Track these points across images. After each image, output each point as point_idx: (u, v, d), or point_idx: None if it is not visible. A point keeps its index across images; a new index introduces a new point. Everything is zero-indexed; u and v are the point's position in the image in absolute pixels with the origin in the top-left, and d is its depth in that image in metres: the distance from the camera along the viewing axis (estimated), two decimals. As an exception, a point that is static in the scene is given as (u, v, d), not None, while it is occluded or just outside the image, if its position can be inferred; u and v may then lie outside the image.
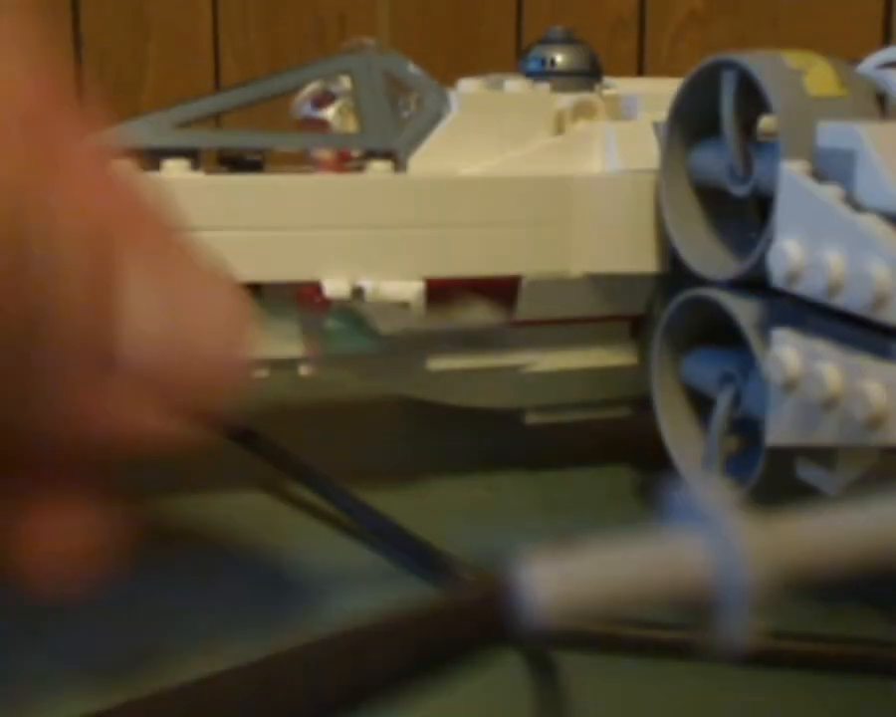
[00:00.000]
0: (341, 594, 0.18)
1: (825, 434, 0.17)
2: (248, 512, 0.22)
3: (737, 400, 0.20)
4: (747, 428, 0.20)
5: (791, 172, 0.18)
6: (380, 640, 0.10)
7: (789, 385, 0.18)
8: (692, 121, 0.22)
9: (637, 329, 0.24)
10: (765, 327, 0.19)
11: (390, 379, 0.24)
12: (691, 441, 0.22)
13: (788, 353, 0.18)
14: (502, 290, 0.22)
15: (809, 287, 0.17)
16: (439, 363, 0.23)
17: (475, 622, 0.10)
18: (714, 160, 0.21)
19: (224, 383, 0.11)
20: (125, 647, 0.16)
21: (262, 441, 0.22)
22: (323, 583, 0.19)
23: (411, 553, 0.19)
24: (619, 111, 0.25)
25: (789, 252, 0.17)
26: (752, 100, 0.20)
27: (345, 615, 0.09)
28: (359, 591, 0.18)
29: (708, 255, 0.21)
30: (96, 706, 0.13)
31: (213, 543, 0.20)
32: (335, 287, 0.20)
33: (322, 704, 0.09)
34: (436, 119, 0.23)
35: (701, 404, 0.22)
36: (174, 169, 0.21)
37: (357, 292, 0.21)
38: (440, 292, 0.21)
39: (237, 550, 0.20)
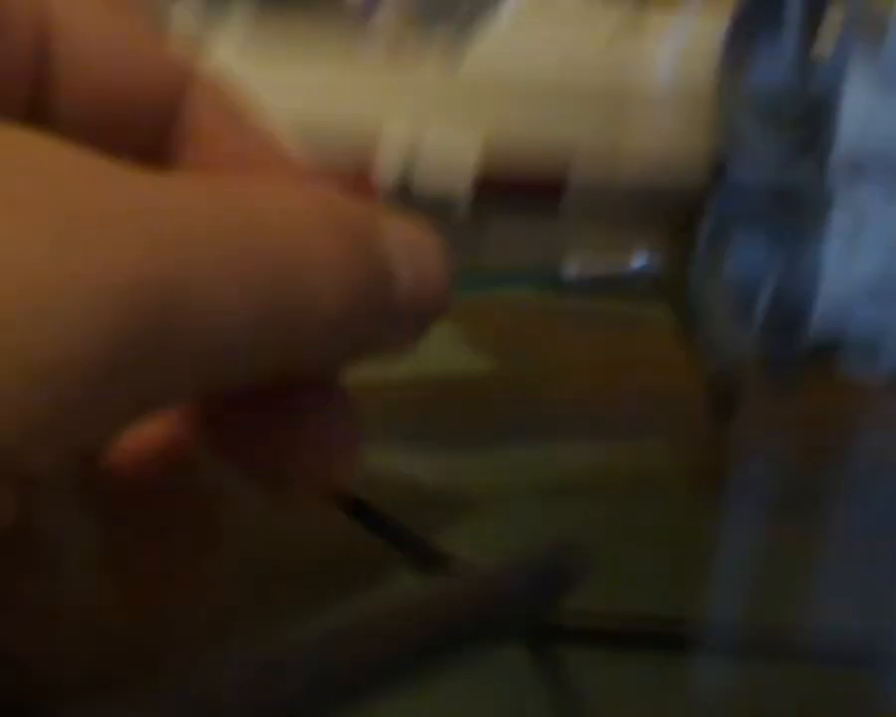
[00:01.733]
0: (341, 591, 0.18)
1: (875, 314, 0.17)
2: (245, 512, 0.22)
3: (780, 293, 0.20)
4: (789, 323, 0.21)
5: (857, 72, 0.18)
6: (381, 638, 0.10)
7: (847, 247, 0.18)
8: (751, 24, 0.22)
9: (679, 234, 0.24)
10: (819, 202, 0.19)
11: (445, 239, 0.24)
12: (731, 339, 0.22)
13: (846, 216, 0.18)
14: (549, 190, 0.22)
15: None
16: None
17: (475, 618, 0.10)
18: (772, 64, 0.21)
19: (446, 300, 0.15)
20: (124, 648, 0.16)
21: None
22: (321, 579, 0.19)
23: (411, 549, 0.19)
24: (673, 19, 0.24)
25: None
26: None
27: (345, 612, 0.10)
28: (360, 588, 0.18)
29: (759, 161, 0.21)
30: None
31: (210, 544, 0.20)
32: (389, 150, 0.21)
33: (322, 699, 0.09)
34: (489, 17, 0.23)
35: (743, 306, 0.22)
36: None
37: (406, 177, 0.21)
38: (488, 187, 0.22)
39: (233, 549, 0.20)
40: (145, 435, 0.15)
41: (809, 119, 0.21)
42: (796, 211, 0.20)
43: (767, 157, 0.21)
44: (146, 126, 0.15)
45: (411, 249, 0.15)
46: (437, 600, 0.11)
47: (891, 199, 0.19)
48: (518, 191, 0.22)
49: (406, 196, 0.21)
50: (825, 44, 0.21)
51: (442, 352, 0.37)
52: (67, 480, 0.13)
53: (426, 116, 0.22)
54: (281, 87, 0.20)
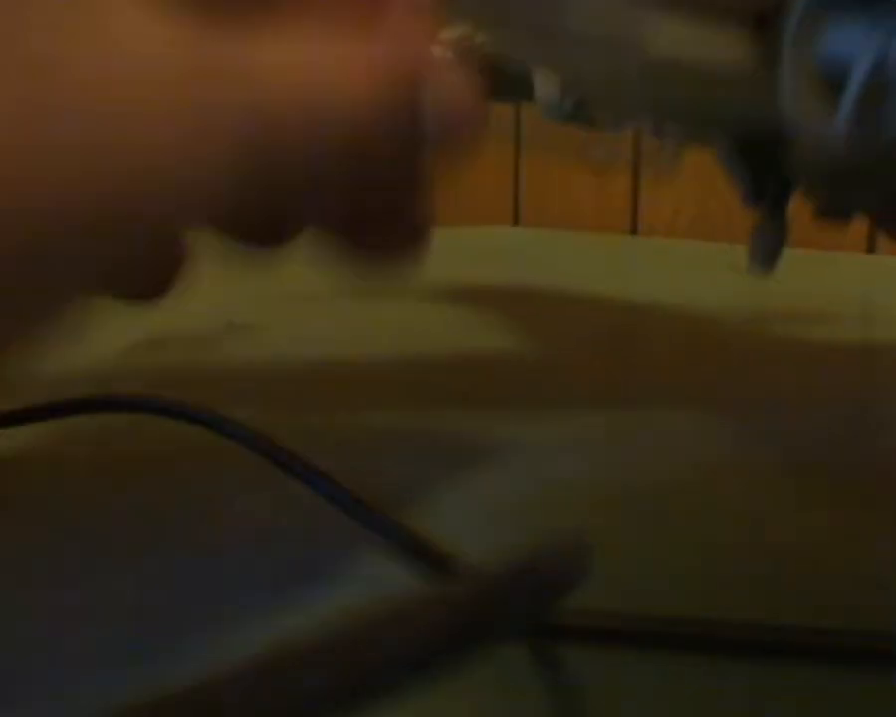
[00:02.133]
0: (341, 591, 0.18)
1: None
2: (246, 513, 0.22)
3: (872, 83, 0.20)
4: (880, 118, 0.20)
5: None
6: (381, 638, 0.10)
7: None
8: None
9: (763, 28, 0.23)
10: None
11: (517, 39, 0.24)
12: (821, 115, 0.21)
13: None
14: None
15: None
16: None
17: (477, 618, 0.10)
18: None
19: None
20: (124, 647, 0.16)
21: (263, 440, 0.22)
22: (322, 580, 0.19)
23: (410, 550, 0.19)
24: None
25: None
26: None
27: (346, 613, 0.10)
28: (360, 588, 0.18)
29: None
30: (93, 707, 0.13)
31: (211, 545, 0.20)
32: None
33: (324, 703, 0.09)
34: None
35: (831, 96, 0.21)
36: None
37: None
38: None
39: (235, 551, 0.20)
40: None
41: None
42: None
43: None
44: None
45: (446, 98, 0.18)
46: (438, 601, 0.11)
47: None
48: None
49: None
50: None
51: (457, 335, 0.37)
52: None
53: None
54: None
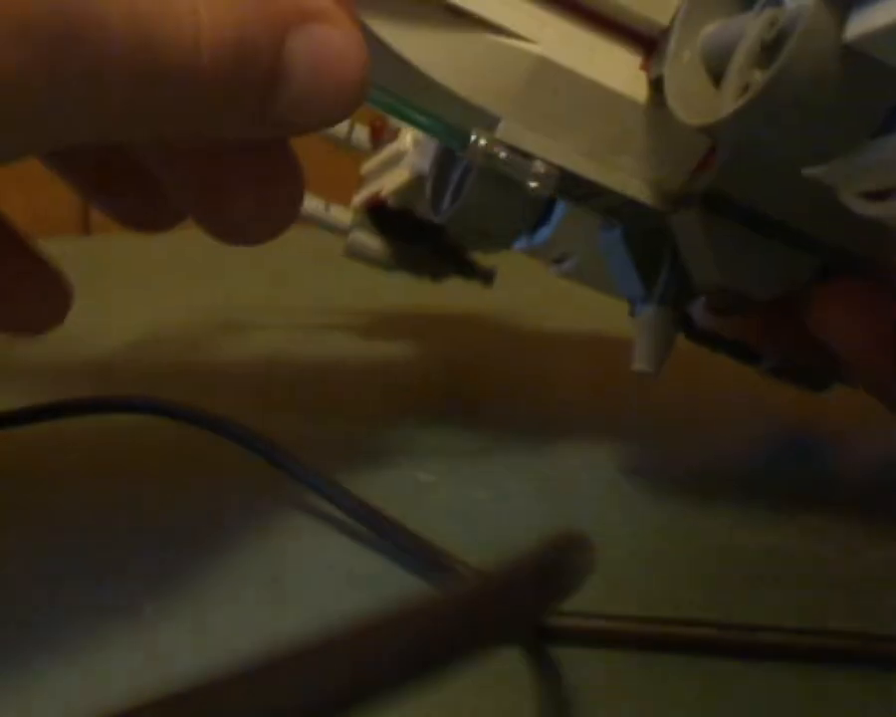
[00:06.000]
0: (341, 591, 0.18)
1: None
2: (246, 513, 0.22)
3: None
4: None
5: None
6: (380, 640, 0.10)
7: None
8: None
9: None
10: None
11: None
12: (708, 99, 0.19)
13: None
14: None
15: None
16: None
17: (476, 620, 0.10)
18: None
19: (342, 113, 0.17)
20: (123, 647, 0.16)
21: (262, 442, 0.22)
22: (322, 582, 0.19)
23: (410, 551, 0.19)
24: None
25: None
26: None
27: (346, 613, 0.09)
28: (360, 588, 0.18)
29: None
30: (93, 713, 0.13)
31: (211, 545, 0.20)
32: None
33: (322, 705, 0.09)
34: None
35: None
36: None
37: None
38: None
39: (235, 551, 0.20)
40: None
41: None
42: None
43: None
44: None
45: (320, 58, 0.16)
46: (438, 602, 0.11)
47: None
48: None
49: None
50: None
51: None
52: None
53: None
54: None
